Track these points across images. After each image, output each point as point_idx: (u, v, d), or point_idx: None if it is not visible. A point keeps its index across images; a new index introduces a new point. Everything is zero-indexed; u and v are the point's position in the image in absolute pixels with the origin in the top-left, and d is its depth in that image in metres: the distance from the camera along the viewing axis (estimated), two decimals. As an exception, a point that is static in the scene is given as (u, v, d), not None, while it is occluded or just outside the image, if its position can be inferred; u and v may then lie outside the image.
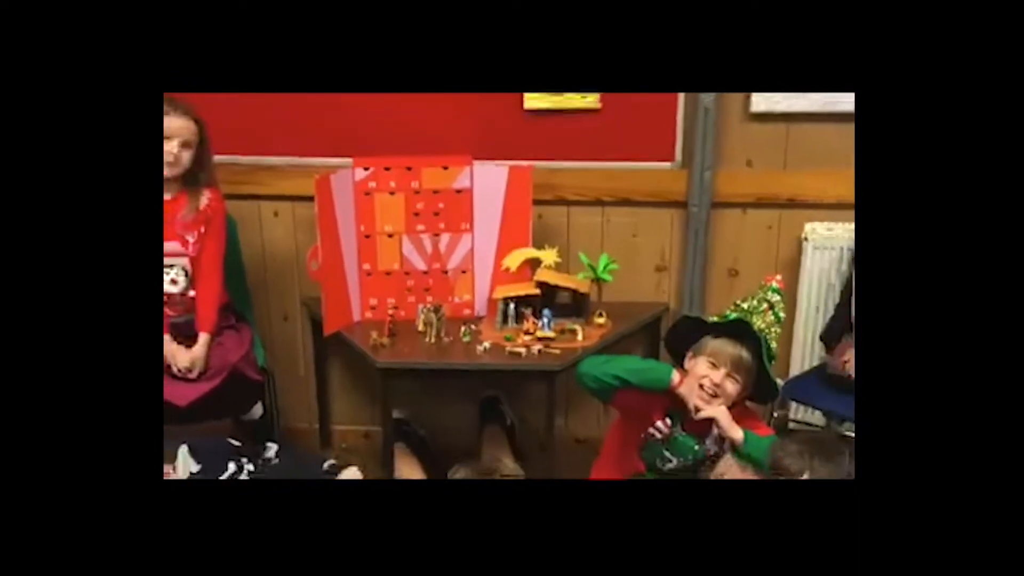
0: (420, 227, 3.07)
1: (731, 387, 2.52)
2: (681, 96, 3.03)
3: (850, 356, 2.82)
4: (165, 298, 2.93)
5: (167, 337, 2.89)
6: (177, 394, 2.86)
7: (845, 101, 2.97)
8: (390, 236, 3.07)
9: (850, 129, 2.93)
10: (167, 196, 2.89)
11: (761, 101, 3.02)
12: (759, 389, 2.61)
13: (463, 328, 2.99)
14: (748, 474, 2.48)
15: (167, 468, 2.75)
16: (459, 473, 2.29)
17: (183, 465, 2.81)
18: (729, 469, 2.56)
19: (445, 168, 3.02)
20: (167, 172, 2.82)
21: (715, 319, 2.65)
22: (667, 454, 2.67)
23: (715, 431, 2.58)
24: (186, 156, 2.84)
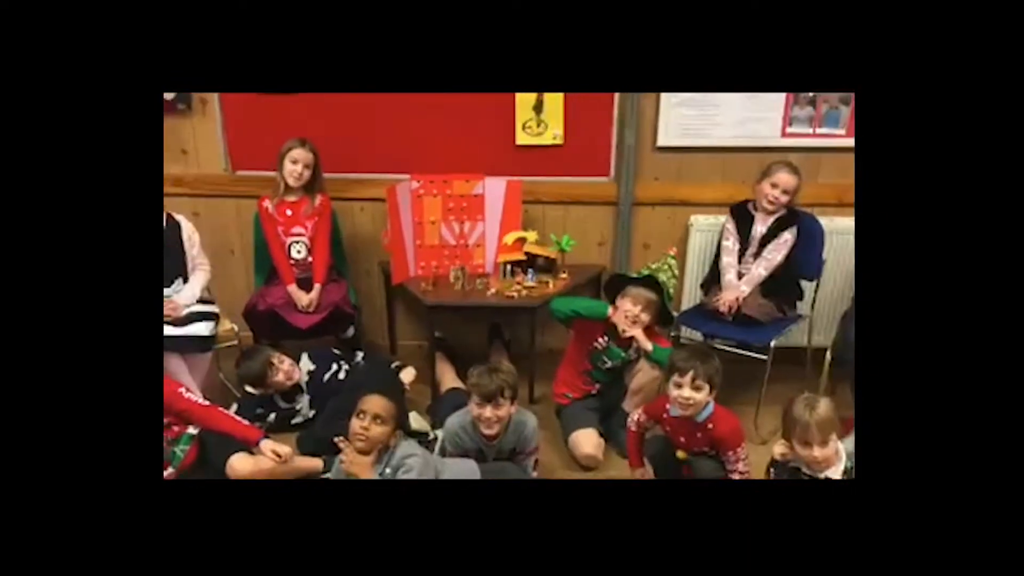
0: (451, 218, 3.03)
1: (645, 317, 2.53)
2: (613, 136, 2.99)
3: (719, 298, 2.76)
4: (292, 262, 2.91)
5: (294, 286, 2.88)
6: (300, 321, 2.86)
7: (716, 139, 2.95)
8: (433, 223, 3.03)
9: (719, 157, 2.99)
10: (294, 199, 2.87)
11: (664, 139, 2.98)
12: (662, 318, 2.60)
13: (478, 280, 2.96)
14: (656, 371, 2.51)
15: (294, 368, 2.76)
16: (476, 369, 2.27)
17: (304, 365, 2.84)
18: (643, 367, 2.59)
19: (467, 181, 3.00)
20: (296, 184, 2.82)
21: (635, 275, 2.64)
22: (605, 358, 2.68)
23: (635, 344, 2.58)
24: (307, 174, 2.82)
